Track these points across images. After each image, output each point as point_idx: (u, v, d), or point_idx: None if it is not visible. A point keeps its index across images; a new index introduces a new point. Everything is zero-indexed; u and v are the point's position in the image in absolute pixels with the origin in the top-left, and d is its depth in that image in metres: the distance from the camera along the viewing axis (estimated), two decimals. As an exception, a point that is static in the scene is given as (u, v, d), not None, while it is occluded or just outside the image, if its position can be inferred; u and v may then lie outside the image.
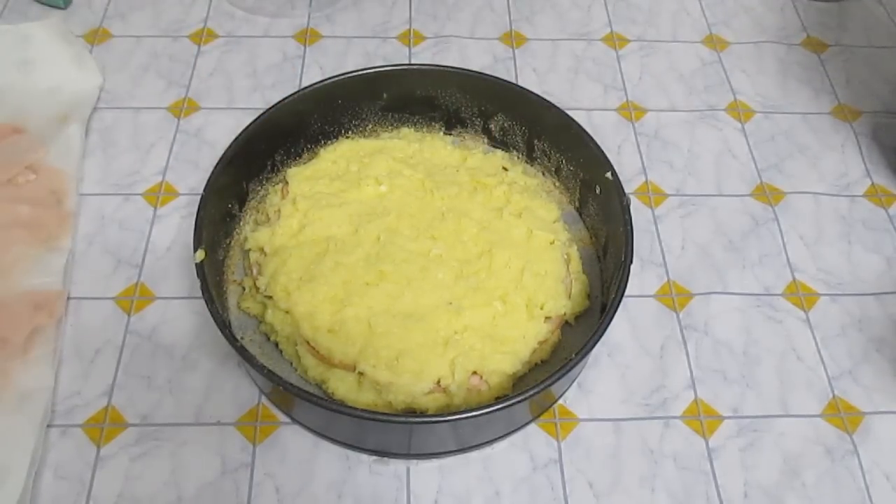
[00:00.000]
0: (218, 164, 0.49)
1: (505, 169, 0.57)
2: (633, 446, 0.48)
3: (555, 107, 0.54)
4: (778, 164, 0.62)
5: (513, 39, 0.69)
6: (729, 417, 0.49)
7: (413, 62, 0.66)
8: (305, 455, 0.46)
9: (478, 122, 0.58)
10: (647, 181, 0.60)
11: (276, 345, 0.49)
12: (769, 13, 0.74)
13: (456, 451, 0.47)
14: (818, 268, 0.56)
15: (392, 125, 0.59)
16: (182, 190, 0.58)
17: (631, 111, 0.65)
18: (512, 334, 0.47)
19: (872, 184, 0.61)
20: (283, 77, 0.65)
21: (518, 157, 0.58)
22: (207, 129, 0.61)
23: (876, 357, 0.52)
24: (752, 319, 0.53)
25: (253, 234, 0.52)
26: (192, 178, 0.58)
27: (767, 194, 0.60)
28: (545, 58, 0.68)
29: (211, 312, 0.43)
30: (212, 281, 0.46)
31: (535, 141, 0.57)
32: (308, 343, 0.47)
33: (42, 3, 0.69)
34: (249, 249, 0.52)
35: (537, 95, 0.54)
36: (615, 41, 0.70)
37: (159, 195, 0.57)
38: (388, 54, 0.67)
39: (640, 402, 0.49)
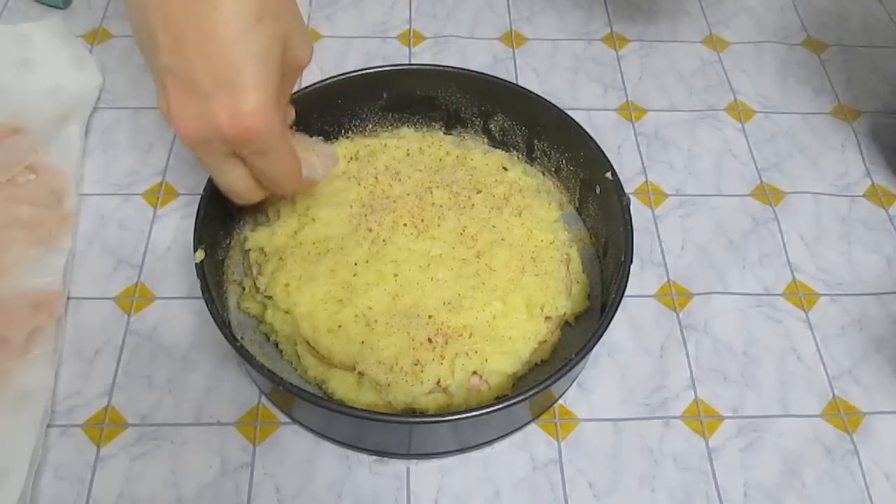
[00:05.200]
0: (218, 164, 0.49)
1: (505, 169, 0.57)
2: (633, 446, 0.48)
3: (555, 107, 0.54)
4: (778, 164, 0.62)
5: (513, 39, 0.69)
6: (729, 417, 0.49)
7: (413, 62, 0.66)
8: (305, 455, 0.46)
9: (478, 122, 0.58)
10: (647, 181, 0.60)
11: (276, 345, 0.49)
12: (769, 13, 0.74)
13: (456, 451, 0.47)
14: (818, 268, 0.56)
15: (392, 125, 0.59)
16: (182, 190, 0.58)
17: (631, 111, 0.65)
18: (512, 334, 0.47)
19: (872, 184, 0.61)
20: (283, 77, 0.65)
21: (518, 157, 0.58)
22: (207, 129, 0.61)
23: (876, 357, 0.52)
24: (752, 319, 0.53)
25: (253, 234, 0.52)
26: (192, 178, 0.58)
27: (767, 194, 0.60)
28: (545, 58, 0.68)
29: (211, 312, 0.43)
30: (212, 281, 0.46)
31: (535, 141, 0.57)
32: (308, 343, 0.47)
33: (42, 3, 0.69)
34: (249, 249, 0.52)
35: (537, 95, 0.54)
36: (615, 41, 0.70)
37: (159, 195, 0.57)
38: (388, 54, 0.67)
39: (640, 402, 0.49)
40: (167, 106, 0.39)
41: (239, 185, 0.43)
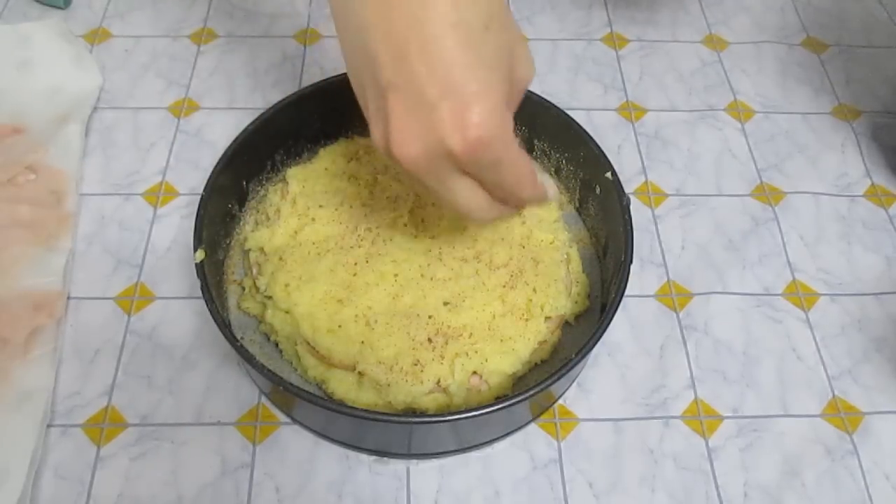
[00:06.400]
0: (218, 164, 0.49)
1: (505, 169, 0.56)
2: (633, 446, 0.48)
3: (555, 107, 0.54)
4: (778, 164, 0.62)
5: (513, 39, 0.69)
6: (729, 417, 0.49)
7: (413, 62, 0.66)
8: (305, 455, 0.46)
9: (478, 122, 0.58)
10: (647, 181, 0.60)
11: (276, 345, 0.49)
12: (769, 13, 0.74)
13: (456, 451, 0.47)
14: (818, 268, 0.56)
15: (392, 125, 0.59)
16: (182, 190, 0.58)
17: (631, 111, 0.65)
18: (512, 334, 0.47)
19: (872, 184, 0.61)
20: (283, 77, 0.65)
21: (518, 157, 0.58)
22: (207, 129, 0.61)
23: (876, 357, 0.52)
24: (752, 319, 0.53)
25: (253, 234, 0.52)
26: (192, 178, 0.58)
27: (767, 194, 0.60)
28: (545, 58, 0.68)
29: (211, 312, 0.43)
30: (212, 281, 0.46)
31: (535, 141, 0.57)
32: (308, 343, 0.47)
33: (42, 3, 0.69)
34: (249, 249, 0.52)
35: (537, 95, 0.54)
36: (615, 41, 0.70)
37: (159, 195, 0.57)
38: (388, 54, 0.67)
39: (640, 402, 0.49)
40: (385, 131, 0.36)
41: (473, 203, 0.39)
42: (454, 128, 0.34)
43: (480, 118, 0.34)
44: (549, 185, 0.43)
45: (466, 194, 0.38)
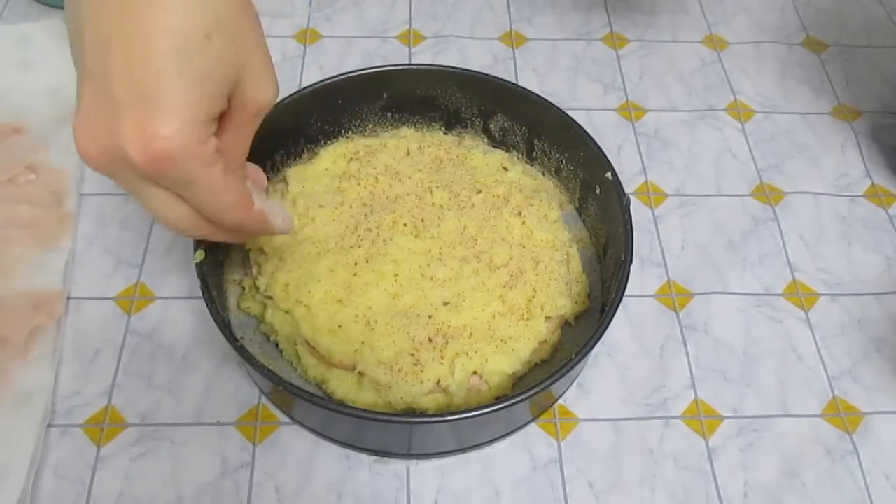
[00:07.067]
0: (218, 164, 0.49)
1: (505, 169, 0.57)
2: (633, 446, 0.48)
3: (555, 107, 0.54)
4: (778, 165, 0.62)
5: (513, 39, 0.69)
6: (729, 417, 0.49)
7: (413, 62, 0.66)
8: (305, 455, 0.46)
9: (478, 122, 0.58)
10: (647, 181, 0.60)
11: (276, 345, 0.49)
12: (769, 13, 0.74)
13: (456, 451, 0.47)
14: (818, 268, 0.56)
15: (392, 125, 0.59)
16: (182, 190, 0.58)
17: (631, 111, 0.65)
18: (512, 334, 0.47)
19: (872, 184, 0.61)
20: (283, 77, 0.65)
21: (518, 157, 0.58)
22: (207, 129, 0.61)
23: (876, 357, 0.52)
24: (752, 319, 0.53)
25: (253, 234, 0.52)
26: (192, 178, 0.58)
27: (767, 194, 0.60)
28: (545, 58, 0.68)
29: (211, 312, 0.43)
30: (212, 281, 0.46)
31: (535, 141, 0.57)
32: (308, 343, 0.47)
33: (42, 3, 0.69)
34: (249, 249, 0.52)
35: (537, 95, 0.54)
36: (615, 41, 0.70)
37: (159, 195, 0.57)
38: (388, 54, 0.67)
39: (640, 402, 0.49)
40: (75, 119, 0.33)
41: (169, 215, 0.36)
42: (136, 136, 0.32)
43: (168, 132, 0.32)
44: (277, 214, 0.41)
45: (159, 205, 0.36)
